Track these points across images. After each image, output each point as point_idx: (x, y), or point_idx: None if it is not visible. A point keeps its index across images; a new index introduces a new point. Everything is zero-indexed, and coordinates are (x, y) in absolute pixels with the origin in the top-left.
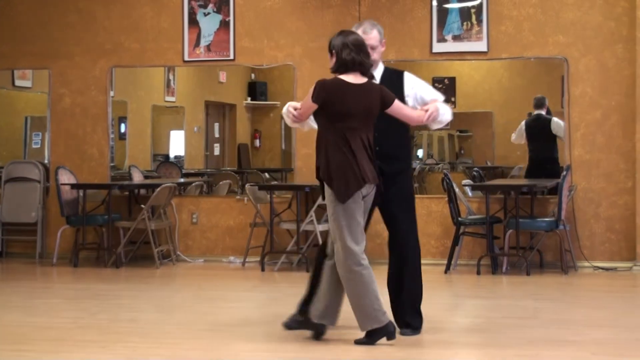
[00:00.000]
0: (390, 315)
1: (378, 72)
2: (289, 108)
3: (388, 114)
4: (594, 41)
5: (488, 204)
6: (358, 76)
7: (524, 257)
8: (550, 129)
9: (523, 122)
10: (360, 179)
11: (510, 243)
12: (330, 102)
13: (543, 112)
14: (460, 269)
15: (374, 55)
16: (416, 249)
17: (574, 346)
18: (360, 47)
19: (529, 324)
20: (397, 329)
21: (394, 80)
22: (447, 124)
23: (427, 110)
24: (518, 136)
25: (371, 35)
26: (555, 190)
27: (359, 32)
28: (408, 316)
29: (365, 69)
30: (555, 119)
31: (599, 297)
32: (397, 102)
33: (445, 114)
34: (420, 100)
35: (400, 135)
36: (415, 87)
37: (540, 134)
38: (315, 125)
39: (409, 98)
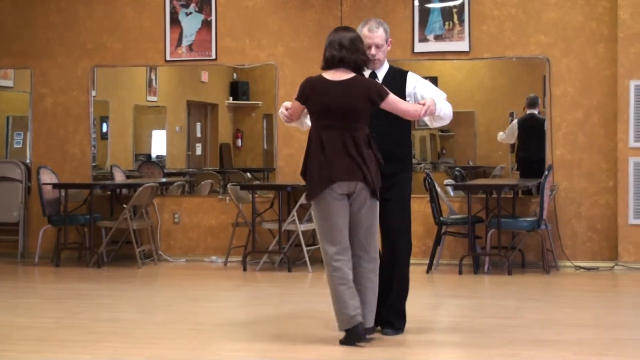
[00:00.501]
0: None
1: (382, 71)
2: (282, 108)
3: (386, 113)
4: (575, 41)
5: (470, 203)
6: (343, 73)
7: (505, 256)
8: (543, 130)
9: (515, 121)
10: (327, 177)
11: (492, 243)
12: (310, 99)
13: (536, 112)
14: (442, 269)
15: (379, 55)
16: (407, 250)
17: (556, 346)
18: (344, 44)
19: (511, 323)
20: (374, 330)
21: (397, 79)
22: (446, 123)
23: (424, 105)
24: (509, 135)
25: (377, 33)
26: (538, 190)
27: (365, 30)
28: (392, 316)
29: (349, 65)
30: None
31: (581, 296)
32: (391, 97)
33: (444, 109)
34: (421, 98)
35: (400, 135)
36: (418, 85)
37: (533, 134)
38: (310, 123)
39: (410, 97)
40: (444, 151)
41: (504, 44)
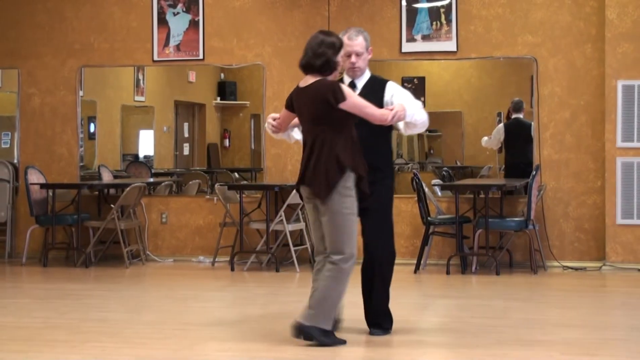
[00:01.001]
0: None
1: (363, 80)
2: (269, 119)
3: (365, 122)
4: (562, 41)
5: (457, 203)
6: (311, 78)
7: (493, 256)
8: (529, 134)
9: (501, 126)
10: (298, 180)
11: (479, 243)
12: (293, 106)
13: (521, 116)
14: (430, 269)
15: (359, 63)
16: (388, 259)
17: (543, 346)
18: (309, 49)
19: (499, 323)
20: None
21: (376, 88)
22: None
23: (392, 110)
24: (494, 140)
25: (356, 41)
26: (525, 190)
27: (345, 38)
28: (379, 317)
29: (313, 70)
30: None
31: (568, 297)
32: (354, 100)
33: (416, 115)
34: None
35: (380, 144)
36: (395, 94)
37: (519, 138)
38: (297, 137)
39: (387, 106)
40: (432, 151)
41: (491, 44)
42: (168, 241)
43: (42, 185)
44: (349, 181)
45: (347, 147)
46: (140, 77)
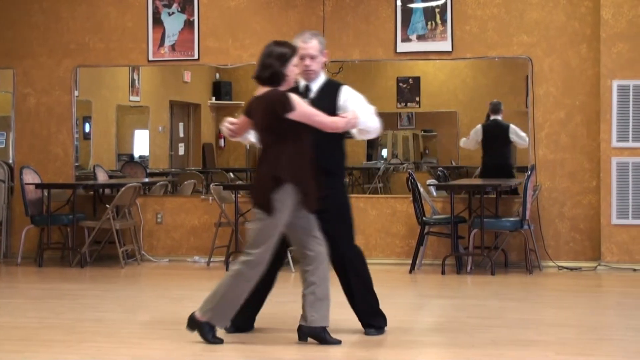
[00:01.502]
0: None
1: (318, 83)
2: (225, 123)
3: (320, 130)
4: (558, 41)
5: (453, 203)
6: (263, 88)
7: (488, 256)
8: (507, 136)
9: (479, 127)
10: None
11: (474, 243)
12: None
13: (499, 118)
14: (425, 269)
15: (313, 66)
16: (355, 258)
17: (538, 346)
18: (259, 60)
19: (494, 323)
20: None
21: (330, 92)
22: (370, 132)
23: (344, 117)
24: (472, 140)
25: (310, 44)
26: (517, 191)
27: (299, 41)
28: (370, 318)
29: (263, 82)
30: (513, 127)
31: (564, 296)
32: (303, 109)
33: (369, 122)
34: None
35: (332, 149)
36: (349, 99)
37: (497, 140)
38: (252, 139)
39: (340, 110)
40: (427, 151)
41: (486, 44)
42: (163, 241)
43: (37, 185)
44: (284, 195)
45: (291, 160)
46: (136, 77)
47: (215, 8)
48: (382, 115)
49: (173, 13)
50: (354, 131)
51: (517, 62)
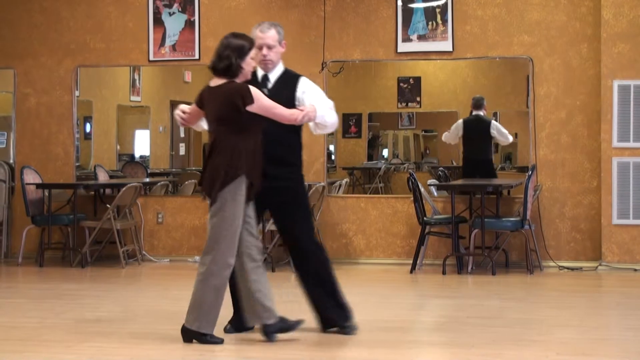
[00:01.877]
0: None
1: (276, 73)
2: (178, 110)
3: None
4: (558, 41)
5: (453, 203)
6: (219, 79)
7: (489, 256)
8: (488, 131)
9: (460, 121)
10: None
11: (475, 243)
12: (202, 106)
13: (482, 113)
14: (426, 269)
15: (270, 55)
16: (316, 252)
17: (539, 346)
18: (216, 51)
19: (494, 323)
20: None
21: (288, 83)
22: (331, 130)
23: (302, 110)
24: (452, 135)
25: (268, 34)
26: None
27: (257, 31)
28: (329, 311)
29: (218, 73)
30: (495, 123)
31: (564, 296)
32: (262, 101)
33: (327, 117)
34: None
35: (289, 140)
36: (306, 91)
37: (477, 135)
38: (204, 126)
39: (298, 102)
40: (428, 151)
41: (487, 44)
42: (164, 241)
43: (38, 185)
44: (239, 187)
45: (247, 152)
46: (136, 77)
47: (216, 8)
48: (383, 115)
49: (174, 13)
50: (311, 125)
51: (518, 62)
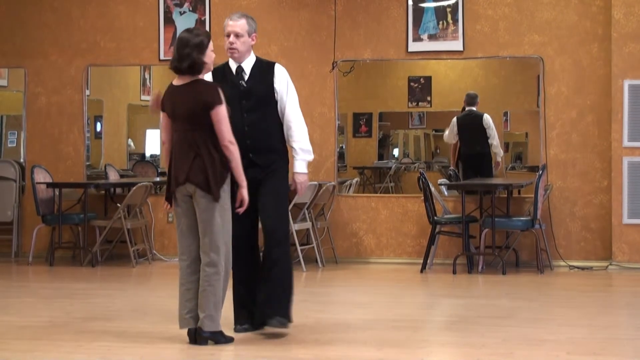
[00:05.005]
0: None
1: (249, 63)
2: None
3: (256, 108)
4: (569, 40)
5: (464, 203)
6: (184, 78)
7: (499, 256)
8: (481, 124)
9: (454, 119)
10: (174, 178)
11: (486, 242)
12: (165, 105)
13: (474, 109)
14: (436, 268)
15: (237, 44)
16: (283, 244)
17: (550, 345)
18: (174, 51)
19: (505, 323)
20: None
21: (264, 70)
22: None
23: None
24: (450, 134)
25: (237, 22)
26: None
27: (227, 20)
28: (279, 302)
29: (183, 72)
30: (487, 115)
31: (575, 296)
32: (223, 111)
33: (304, 146)
34: (280, 102)
35: (270, 128)
36: (283, 87)
37: (471, 129)
38: None
39: (276, 92)
40: (438, 150)
41: (497, 44)
42: (174, 240)
43: (48, 185)
44: (228, 182)
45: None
46: (147, 76)
47: (227, 7)
48: (393, 114)
49: (184, 12)
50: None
51: (529, 62)
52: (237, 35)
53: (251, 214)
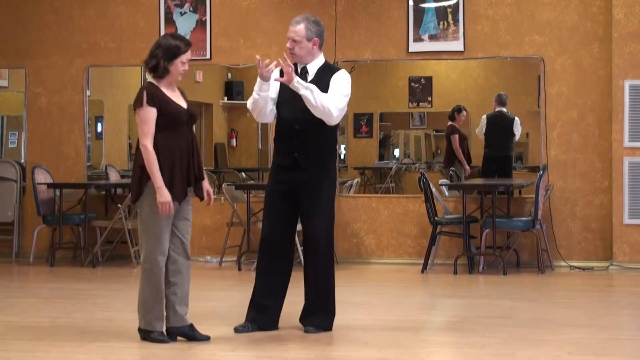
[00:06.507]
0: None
1: (315, 65)
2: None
3: (306, 109)
4: (569, 41)
5: (465, 203)
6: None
7: (500, 256)
8: (512, 128)
9: (484, 117)
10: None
11: (486, 242)
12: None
13: (504, 110)
14: (437, 269)
15: (295, 49)
16: (326, 254)
17: (550, 345)
18: (151, 47)
19: (506, 323)
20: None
21: (326, 75)
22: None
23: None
24: (480, 130)
25: (295, 27)
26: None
27: (290, 24)
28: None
29: (147, 70)
30: (517, 119)
31: (576, 296)
32: (142, 113)
33: (323, 100)
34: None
35: (322, 132)
36: (333, 82)
37: (500, 131)
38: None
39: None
40: (439, 151)
41: (498, 44)
42: None
43: (49, 185)
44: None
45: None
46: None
47: (227, 8)
48: (394, 115)
49: (185, 13)
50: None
51: (529, 62)
52: (293, 41)
53: (288, 219)
